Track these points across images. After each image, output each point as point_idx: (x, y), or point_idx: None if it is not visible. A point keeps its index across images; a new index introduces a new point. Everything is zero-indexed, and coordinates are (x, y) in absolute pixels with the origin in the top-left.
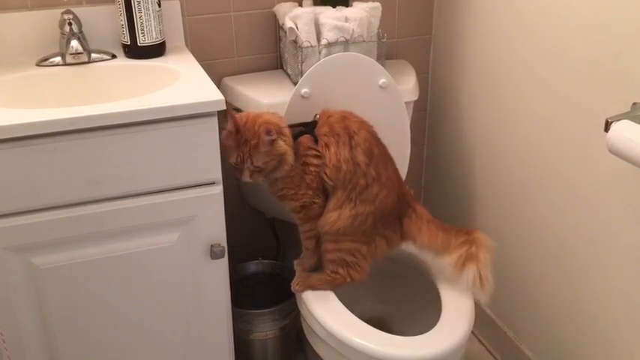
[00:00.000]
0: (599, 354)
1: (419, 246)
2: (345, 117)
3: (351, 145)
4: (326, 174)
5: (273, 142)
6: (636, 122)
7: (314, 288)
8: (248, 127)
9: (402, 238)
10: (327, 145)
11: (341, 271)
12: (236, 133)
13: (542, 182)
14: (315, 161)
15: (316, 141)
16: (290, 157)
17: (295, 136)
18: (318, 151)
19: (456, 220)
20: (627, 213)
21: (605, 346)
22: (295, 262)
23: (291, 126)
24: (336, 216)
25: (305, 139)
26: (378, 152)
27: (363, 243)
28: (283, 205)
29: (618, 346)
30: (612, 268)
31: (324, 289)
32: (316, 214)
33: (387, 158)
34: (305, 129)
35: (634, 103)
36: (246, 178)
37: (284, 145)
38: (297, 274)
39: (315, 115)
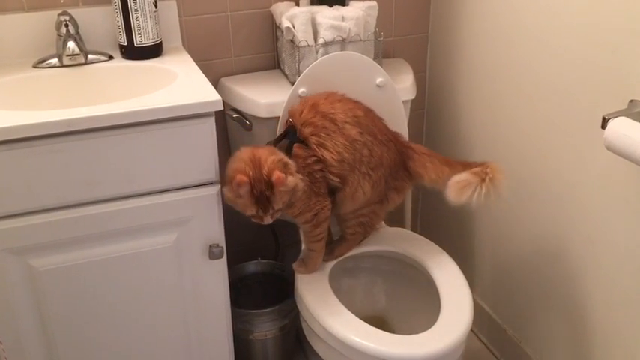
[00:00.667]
0: (598, 351)
1: (427, 182)
2: (314, 104)
3: (340, 127)
4: (332, 173)
5: None
6: (633, 119)
7: (341, 255)
8: (257, 179)
9: (410, 181)
10: (321, 145)
11: (359, 229)
12: (250, 190)
13: (540, 180)
14: (317, 167)
15: (306, 144)
16: (300, 184)
17: (287, 151)
18: (316, 155)
19: (455, 219)
20: (625, 210)
21: (605, 343)
22: (295, 265)
23: (276, 142)
24: (362, 194)
25: (298, 149)
26: (362, 114)
27: (376, 203)
28: (297, 221)
29: (617, 343)
30: (610, 265)
31: (347, 252)
32: (326, 217)
33: (370, 114)
34: (289, 139)
35: (631, 100)
36: (268, 221)
37: (293, 179)
38: (301, 271)
39: (288, 121)
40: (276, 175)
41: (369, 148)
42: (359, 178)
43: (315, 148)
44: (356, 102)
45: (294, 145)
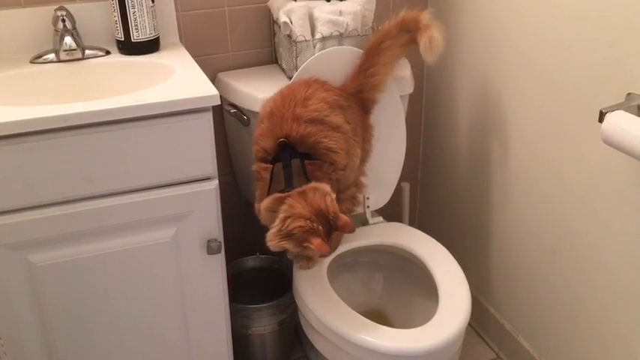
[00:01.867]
0: (596, 345)
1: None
2: (295, 116)
3: (328, 124)
4: (340, 168)
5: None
6: (630, 113)
7: (337, 245)
8: (326, 229)
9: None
10: (330, 150)
11: (348, 205)
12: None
13: (538, 174)
14: (329, 170)
15: (309, 157)
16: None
17: (303, 171)
18: (327, 161)
19: (453, 214)
20: (622, 203)
21: (602, 337)
22: (300, 265)
23: (285, 166)
24: (357, 159)
25: (311, 165)
26: (326, 95)
27: (362, 161)
28: None
29: (615, 337)
30: (607, 258)
31: (341, 239)
32: None
33: (327, 87)
34: (294, 157)
35: (628, 94)
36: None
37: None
38: (310, 267)
39: (278, 140)
40: (344, 221)
41: (347, 121)
42: (352, 152)
43: (324, 155)
44: (309, 86)
45: (306, 162)
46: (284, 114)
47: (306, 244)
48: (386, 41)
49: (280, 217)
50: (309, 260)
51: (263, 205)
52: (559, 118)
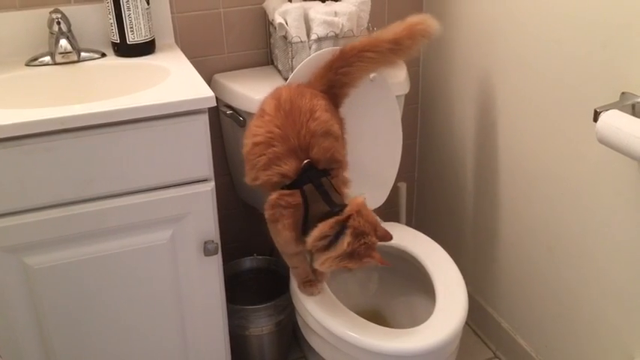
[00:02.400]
0: (592, 343)
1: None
2: (310, 132)
3: (335, 134)
4: (345, 174)
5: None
6: (625, 112)
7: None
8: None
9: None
10: (340, 159)
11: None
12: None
13: (533, 173)
14: (340, 175)
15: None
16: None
17: (332, 186)
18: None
19: (450, 213)
20: (617, 202)
21: (599, 335)
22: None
23: (318, 188)
24: (345, 158)
25: (334, 179)
26: (322, 102)
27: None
28: None
29: (611, 335)
30: (604, 257)
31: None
32: None
33: (317, 94)
34: (322, 174)
35: (622, 93)
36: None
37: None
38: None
39: (303, 162)
40: (384, 231)
41: (337, 124)
42: (344, 152)
43: (335, 164)
44: (301, 93)
45: (329, 178)
46: (299, 132)
47: (366, 260)
48: (370, 52)
49: (347, 240)
50: (314, 285)
51: (318, 233)
52: (554, 118)
